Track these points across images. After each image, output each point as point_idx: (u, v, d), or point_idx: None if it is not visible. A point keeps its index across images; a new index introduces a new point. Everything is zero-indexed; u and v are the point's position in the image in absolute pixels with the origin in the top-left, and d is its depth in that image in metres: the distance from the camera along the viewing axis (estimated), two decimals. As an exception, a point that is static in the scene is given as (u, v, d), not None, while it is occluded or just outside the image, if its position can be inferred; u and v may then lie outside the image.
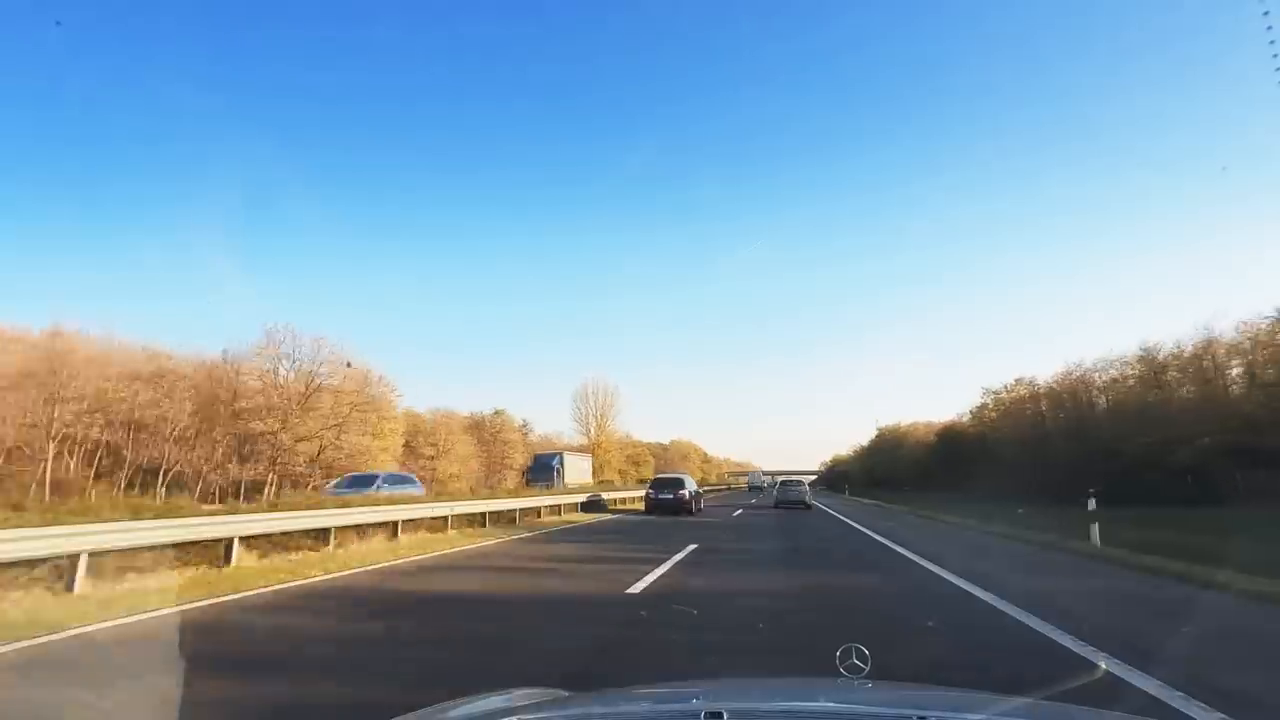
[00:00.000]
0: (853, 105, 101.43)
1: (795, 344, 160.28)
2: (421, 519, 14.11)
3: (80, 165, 63.90)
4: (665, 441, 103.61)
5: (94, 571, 7.26)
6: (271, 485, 26.73)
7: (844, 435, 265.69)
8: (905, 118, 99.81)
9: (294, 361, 28.80)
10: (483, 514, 17.22)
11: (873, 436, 76.02)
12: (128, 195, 68.69)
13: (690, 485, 25.35)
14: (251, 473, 27.45)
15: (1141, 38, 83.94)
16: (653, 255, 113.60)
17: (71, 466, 23.61)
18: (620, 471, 62.79)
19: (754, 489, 72.94)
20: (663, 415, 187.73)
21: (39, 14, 48.70)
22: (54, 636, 5.17)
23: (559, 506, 22.89)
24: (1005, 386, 38.91)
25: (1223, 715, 3.42)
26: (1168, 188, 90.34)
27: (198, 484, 25.80)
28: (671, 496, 23.86)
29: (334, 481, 20.96)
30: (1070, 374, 32.34)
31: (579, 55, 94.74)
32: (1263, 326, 24.64)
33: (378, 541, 12.11)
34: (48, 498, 16.42)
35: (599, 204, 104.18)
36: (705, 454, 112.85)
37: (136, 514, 8.26)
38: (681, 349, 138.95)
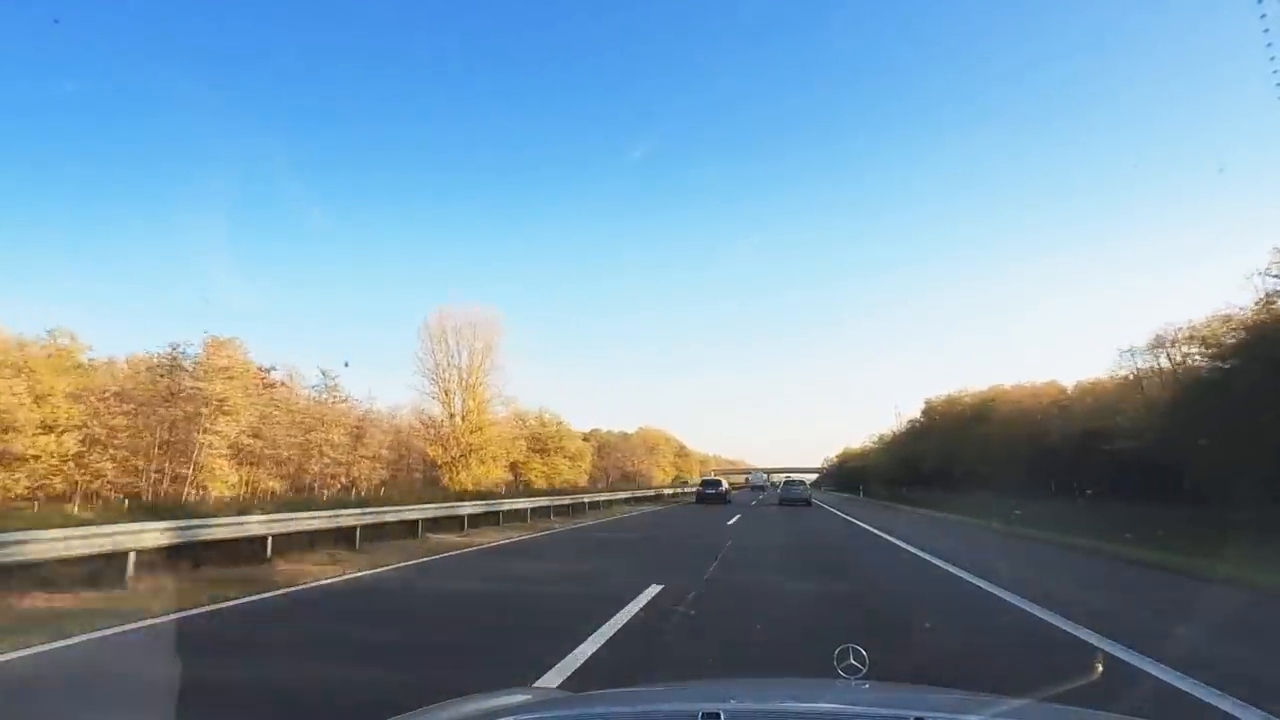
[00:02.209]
0: (850, 98, 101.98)
1: (792, 341, 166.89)
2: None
3: (76, 163, 61.17)
4: (630, 430, 79.71)
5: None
6: None
7: (844, 432, 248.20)
8: (901, 110, 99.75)
9: None
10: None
11: (915, 415, 51.79)
12: (125, 192, 65.69)
13: (724, 485, 36.67)
14: None
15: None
16: (647, 248, 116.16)
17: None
18: (518, 465, 38.36)
19: (756, 488, 69.14)
20: (654, 411, 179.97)
21: (36, 10, 45.12)
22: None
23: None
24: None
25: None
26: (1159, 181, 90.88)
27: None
28: (714, 492, 34.32)
29: None
30: None
31: (578, 49, 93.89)
32: None
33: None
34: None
35: (597, 197, 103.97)
36: (682, 446, 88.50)
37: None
38: (672, 343, 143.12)
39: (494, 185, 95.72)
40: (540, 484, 38.23)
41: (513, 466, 38.33)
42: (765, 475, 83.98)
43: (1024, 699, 1.50)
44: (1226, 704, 3.67)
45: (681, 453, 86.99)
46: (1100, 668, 4.50)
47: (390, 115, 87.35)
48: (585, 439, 76.79)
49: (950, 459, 41.70)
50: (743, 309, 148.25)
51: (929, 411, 48.85)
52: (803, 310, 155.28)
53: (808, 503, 31.91)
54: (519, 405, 40.34)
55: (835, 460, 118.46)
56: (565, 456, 49.25)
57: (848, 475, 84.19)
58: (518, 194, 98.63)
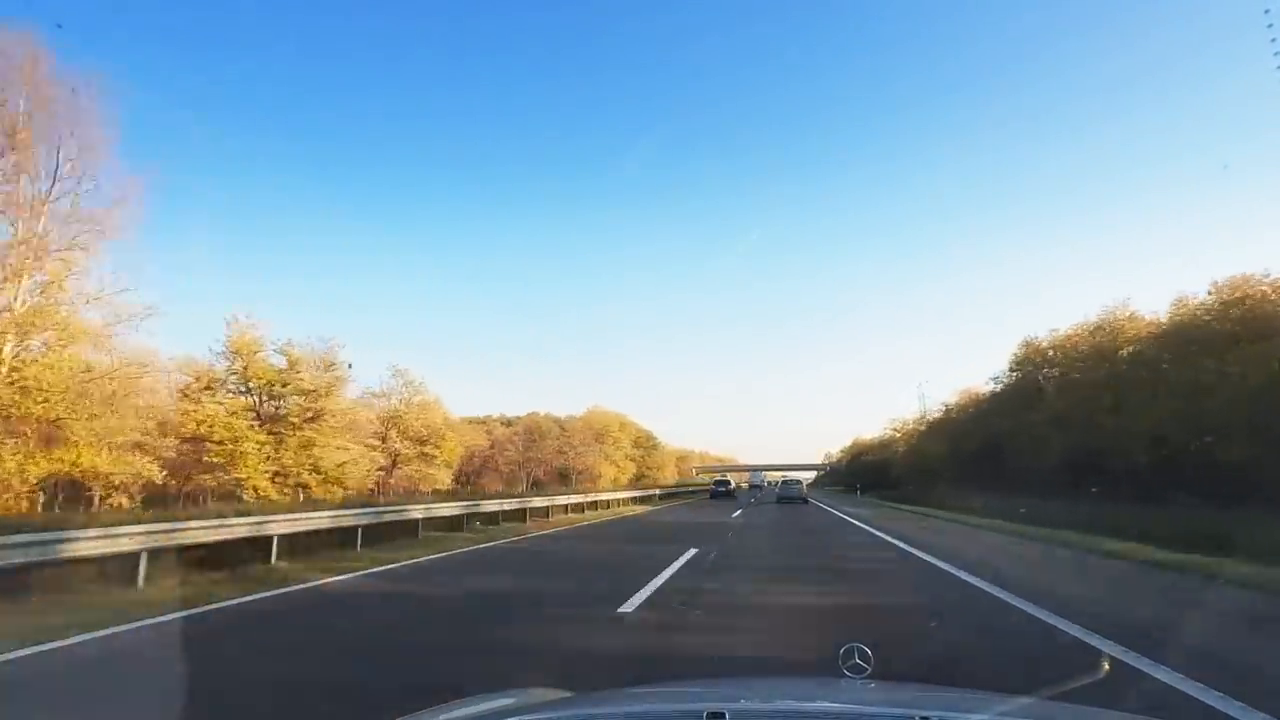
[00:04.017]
0: (846, 91, 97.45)
1: (787, 336, 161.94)
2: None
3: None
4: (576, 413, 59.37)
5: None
6: None
7: (843, 428, 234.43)
8: (895, 101, 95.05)
9: None
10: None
11: (997, 373, 31.67)
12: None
13: (732, 484, 49.40)
14: None
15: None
16: (644, 242, 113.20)
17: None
18: (236, 455, 17.77)
19: (754, 488, 67.60)
20: (646, 409, 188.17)
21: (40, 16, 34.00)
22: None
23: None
24: None
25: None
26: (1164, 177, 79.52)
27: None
28: (724, 490, 43.52)
29: None
30: None
31: (580, 51, 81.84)
32: None
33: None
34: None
35: (596, 199, 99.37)
36: (648, 435, 68.04)
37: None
38: (663, 337, 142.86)
39: (490, 180, 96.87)
40: (270, 492, 17.77)
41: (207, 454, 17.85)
42: (762, 475, 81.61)
43: (1028, 697, 1.46)
44: None
45: (646, 443, 66.52)
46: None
47: (386, 111, 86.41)
48: (508, 424, 56.52)
49: (1101, 436, 21.81)
50: (736, 303, 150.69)
51: (1030, 361, 28.65)
52: (799, 304, 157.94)
53: (804, 500, 33.33)
54: (256, 331, 19.91)
55: (841, 455, 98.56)
56: (415, 440, 28.94)
57: (864, 472, 64.25)
58: (516, 189, 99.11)
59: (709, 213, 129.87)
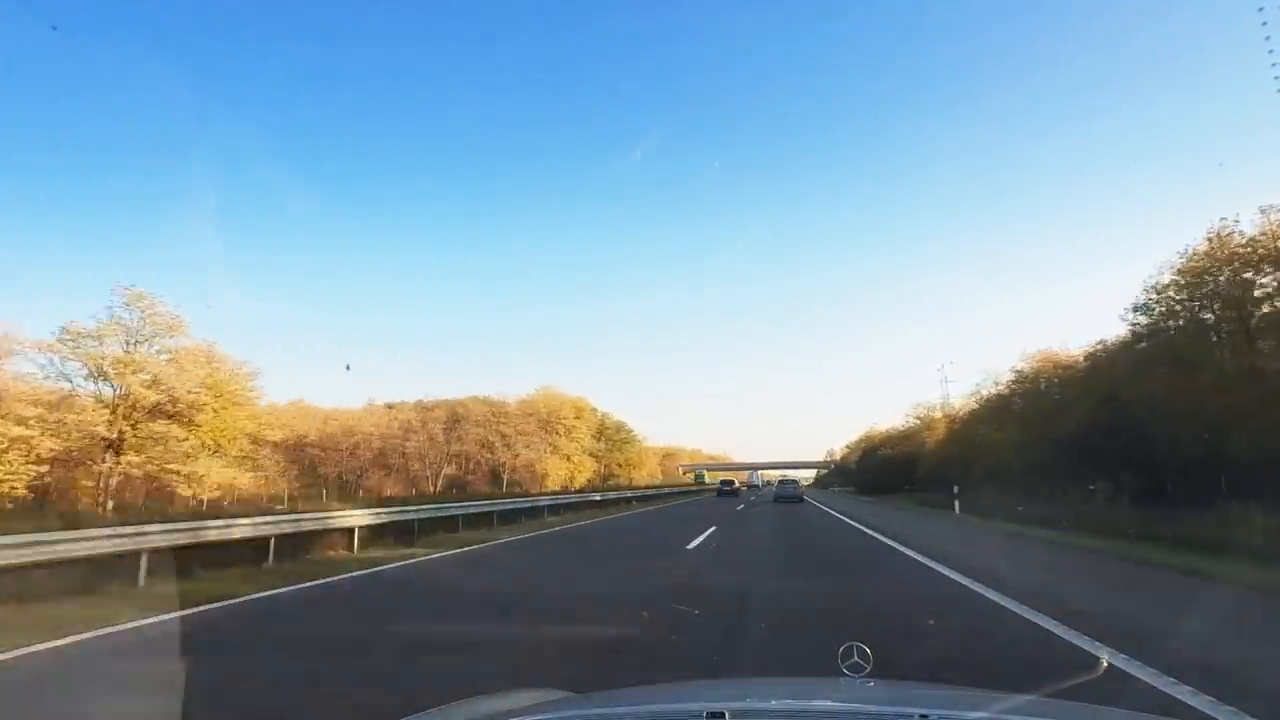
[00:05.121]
0: (848, 88, 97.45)
1: (783, 333, 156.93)
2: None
3: (69, 166, 49.06)
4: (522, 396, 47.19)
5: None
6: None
7: (844, 424, 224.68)
8: (899, 99, 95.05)
9: None
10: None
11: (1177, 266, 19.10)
12: (117, 196, 51.68)
13: (737, 483, 50.86)
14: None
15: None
16: (644, 240, 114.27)
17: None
18: None
19: (752, 488, 67.41)
20: (638, 407, 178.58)
21: (35, 16, 43.74)
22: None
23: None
24: None
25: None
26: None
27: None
28: (729, 489, 46.15)
29: None
30: None
31: (578, 50, 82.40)
32: None
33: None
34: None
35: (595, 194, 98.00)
36: (619, 425, 55.78)
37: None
38: (663, 339, 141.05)
39: (489, 178, 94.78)
40: None
41: None
42: (759, 475, 79.99)
43: (1028, 695, 1.42)
44: None
45: (614, 435, 54.27)
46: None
47: (385, 111, 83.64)
48: (427, 409, 44.36)
49: None
50: (735, 301, 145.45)
51: (1212, 271, 16.64)
52: (797, 302, 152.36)
53: (800, 499, 34.48)
54: None
55: (847, 451, 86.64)
56: (153, 412, 16.92)
57: (879, 469, 52.39)
58: (515, 187, 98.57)
59: (708, 210, 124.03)
